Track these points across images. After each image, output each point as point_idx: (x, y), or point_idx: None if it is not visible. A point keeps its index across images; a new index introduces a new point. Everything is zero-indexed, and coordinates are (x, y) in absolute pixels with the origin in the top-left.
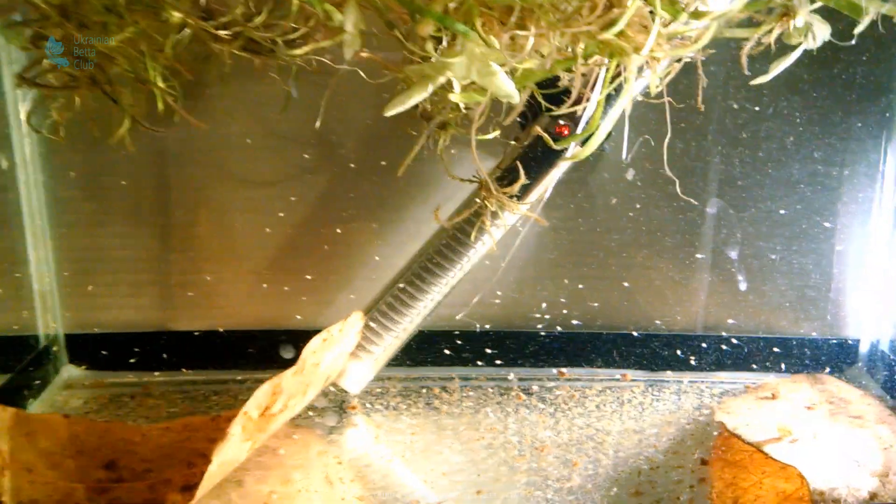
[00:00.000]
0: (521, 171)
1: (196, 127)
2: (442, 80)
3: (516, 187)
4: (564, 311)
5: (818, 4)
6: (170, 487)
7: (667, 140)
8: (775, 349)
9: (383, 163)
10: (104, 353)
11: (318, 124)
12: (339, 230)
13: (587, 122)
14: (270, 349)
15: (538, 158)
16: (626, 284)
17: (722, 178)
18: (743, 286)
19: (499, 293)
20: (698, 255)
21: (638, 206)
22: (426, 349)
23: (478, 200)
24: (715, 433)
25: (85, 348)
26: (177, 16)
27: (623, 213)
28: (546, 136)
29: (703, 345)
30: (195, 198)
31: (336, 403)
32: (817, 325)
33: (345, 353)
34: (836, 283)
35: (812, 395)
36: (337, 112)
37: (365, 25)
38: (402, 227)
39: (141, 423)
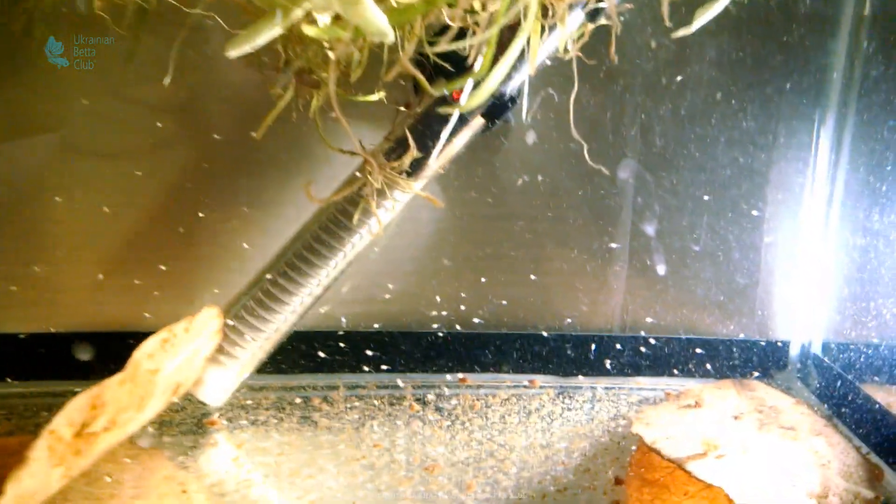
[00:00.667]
0: (412, 143)
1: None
2: (299, 12)
3: (406, 161)
4: (465, 309)
5: None
6: None
7: (573, 96)
8: (699, 351)
9: (254, 133)
10: None
11: (167, 81)
12: (200, 213)
13: (479, 70)
14: (116, 355)
15: (432, 128)
16: (533, 277)
17: (640, 158)
18: (661, 270)
19: (390, 287)
20: (613, 245)
21: (548, 188)
22: (306, 353)
23: (360, 175)
24: (633, 448)
25: None
26: None
27: (532, 197)
28: (423, 79)
29: (620, 346)
30: (18, 172)
31: (193, 419)
32: (745, 325)
33: (199, 357)
34: (765, 279)
35: (739, 403)
36: (199, 72)
37: None
38: (278, 211)
39: None
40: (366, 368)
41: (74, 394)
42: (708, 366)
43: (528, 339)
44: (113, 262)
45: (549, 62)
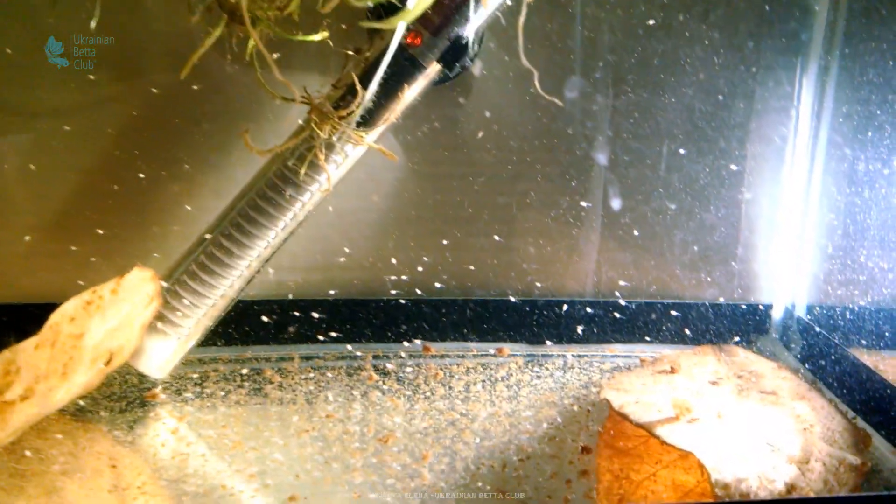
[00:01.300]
0: (361, 90)
1: None
2: None
3: (356, 110)
4: (428, 274)
5: None
6: None
7: (521, 19)
8: (676, 316)
9: (196, 87)
10: None
11: (93, 24)
12: (140, 174)
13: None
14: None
15: (386, 74)
16: (497, 238)
17: (613, 107)
18: (636, 229)
19: (346, 251)
20: (584, 203)
21: (515, 143)
22: (258, 324)
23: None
24: (605, 416)
25: None
26: None
27: (498, 152)
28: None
29: (592, 311)
30: None
31: (133, 391)
32: (725, 288)
33: (135, 324)
34: (746, 238)
35: (718, 369)
36: (134, 20)
37: None
38: (223, 170)
39: None
40: (322, 338)
41: None
42: (686, 331)
43: (496, 304)
44: (45, 227)
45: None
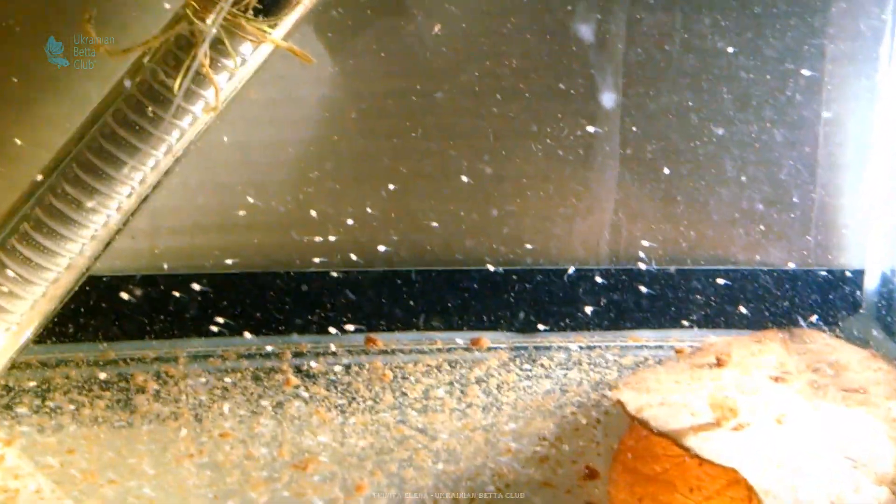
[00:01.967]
0: None
1: None
2: None
3: None
4: (368, 233)
5: None
6: None
7: None
8: (725, 288)
9: None
10: None
11: None
12: None
13: None
14: None
15: None
16: (466, 181)
17: None
18: (666, 167)
19: (249, 201)
20: (592, 129)
21: (488, 39)
22: (126, 309)
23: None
24: (624, 430)
25: None
26: None
27: (457, 53)
28: None
29: (607, 283)
30: None
31: None
32: (796, 248)
33: None
34: (825, 177)
35: (785, 360)
36: None
37: None
38: (66, 85)
39: None
40: (217, 329)
41: None
42: (742, 309)
43: (469, 277)
44: None
45: None
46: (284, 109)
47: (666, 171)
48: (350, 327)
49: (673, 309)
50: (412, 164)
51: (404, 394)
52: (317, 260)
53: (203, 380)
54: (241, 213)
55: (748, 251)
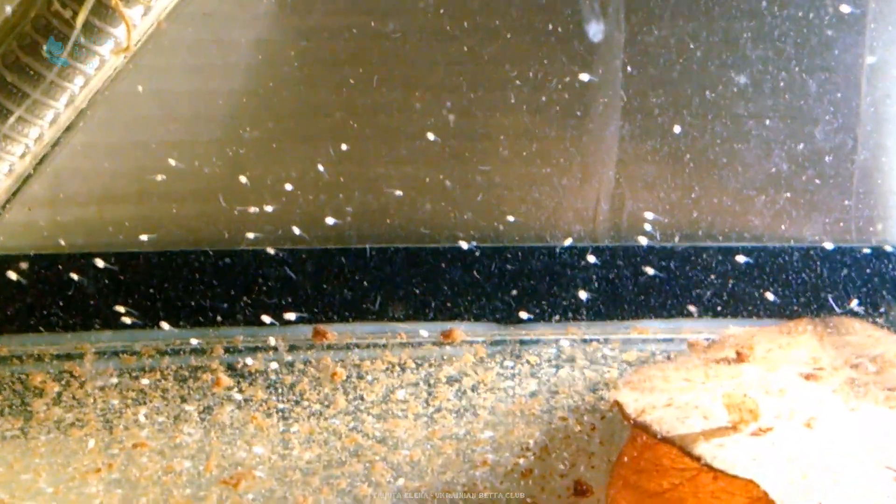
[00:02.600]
0: None
1: None
2: None
3: None
4: (314, 203)
5: None
6: None
7: None
8: (746, 268)
9: None
10: None
11: None
12: None
13: None
14: None
15: None
16: (434, 139)
17: None
18: (677, 125)
19: (172, 164)
20: (586, 77)
21: None
22: (19, 294)
23: None
24: (624, 438)
25: None
26: None
27: (434, 2)
28: None
29: (605, 263)
30: None
31: None
32: (831, 221)
33: None
34: (867, 135)
35: (819, 354)
36: None
37: None
38: None
39: None
40: (131, 321)
41: None
42: (768, 295)
43: (438, 256)
44: None
45: None
46: (212, 53)
47: (676, 129)
48: (292, 316)
49: (684, 294)
50: (367, 119)
51: (360, 397)
52: (251, 235)
53: (114, 380)
54: (160, 177)
55: (774, 224)
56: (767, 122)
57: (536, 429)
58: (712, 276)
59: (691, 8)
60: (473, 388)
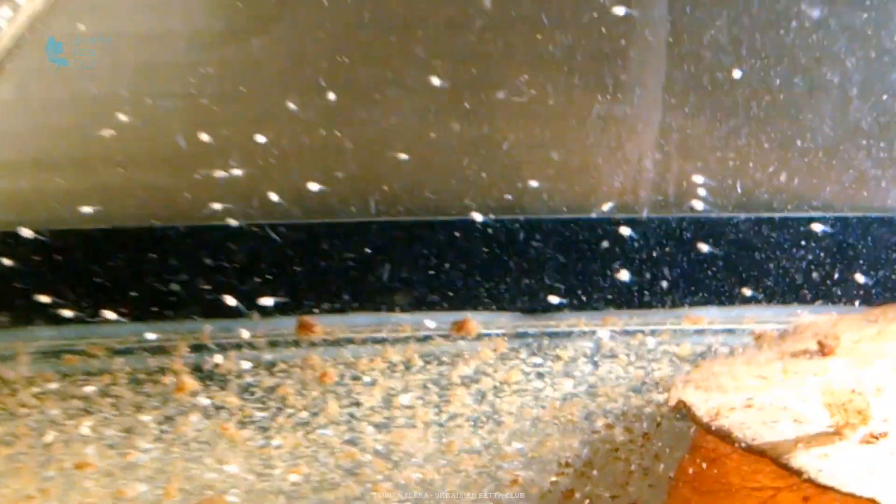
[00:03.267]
0: None
1: None
2: None
3: None
4: (296, 168)
5: None
6: None
7: None
8: (819, 245)
9: None
10: None
11: None
12: None
13: None
14: None
15: None
16: (438, 83)
17: None
18: (736, 70)
19: (121, 119)
20: (621, 10)
21: None
22: None
23: None
24: (684, 447)
25: None
26: None
27: None
28: None
29: (649, 240)
30: None
31: None
32: None
33: None
34: None
35: None
36: None
37: None
38: None
39: None
40: (72, 313)
41: None
42: (859, 277)
43: (447, 231)
44: None
45: None
46: None
47: (736, 72)
48: (269, 302)
49: (746, 276)
50: (359, 63)
51: (355, 402)
52: (217, 206)
53: (53, 386)
54: (107, 133)
55: (854, 191)
56: (843, 65)
57: (575, 439)
58: (779, 254)
59: None
60: (495, 391)
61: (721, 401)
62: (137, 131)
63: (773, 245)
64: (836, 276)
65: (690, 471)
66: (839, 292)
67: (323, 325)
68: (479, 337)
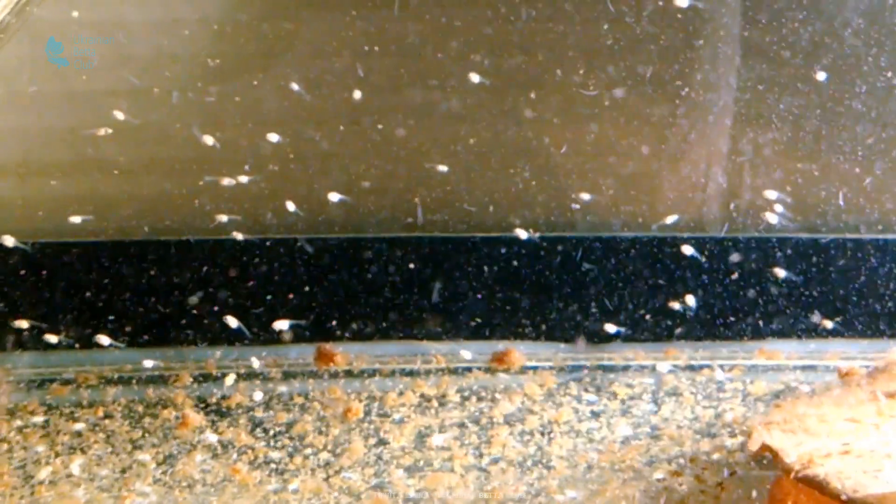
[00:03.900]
0: None
1: None
2: None
3: None
4: (315, 176)
5: None
6: None
7: None
8: None
9: None
10: None
11: None
12: None
13: None
14: None
15: None
16: (477, 81)
17: None
18: (821, 73)
19: (119, 117)
20: (682, 1)
21: None
22: None
23: None
24: (764, 496)
25: None
26: None
27: None
28: None
29: (718, 263)
30: None
31: None
32: None
33: None
34: None
35: None
36: None
37: None
38: None
39: None
40: (61, 339)
41: None
42: None
43: (489, 249)
44: None
45: None
46: None
47: (821, 74)
48: (284, 325)
49: (829, 305)
50: (392, 60)
51: (383, 441)
52: (224, 218)
53: (38, 419)
54: (102, 132)
55: None
56: None
57: (635, 488)
58: (869, 280)
59: None
60: (542, 432)
61: (813, 446)
62: (135, 130)
63: (860, 270)
64: None
65: None
66: None
67: (345, 353)
68: (524, 370)
